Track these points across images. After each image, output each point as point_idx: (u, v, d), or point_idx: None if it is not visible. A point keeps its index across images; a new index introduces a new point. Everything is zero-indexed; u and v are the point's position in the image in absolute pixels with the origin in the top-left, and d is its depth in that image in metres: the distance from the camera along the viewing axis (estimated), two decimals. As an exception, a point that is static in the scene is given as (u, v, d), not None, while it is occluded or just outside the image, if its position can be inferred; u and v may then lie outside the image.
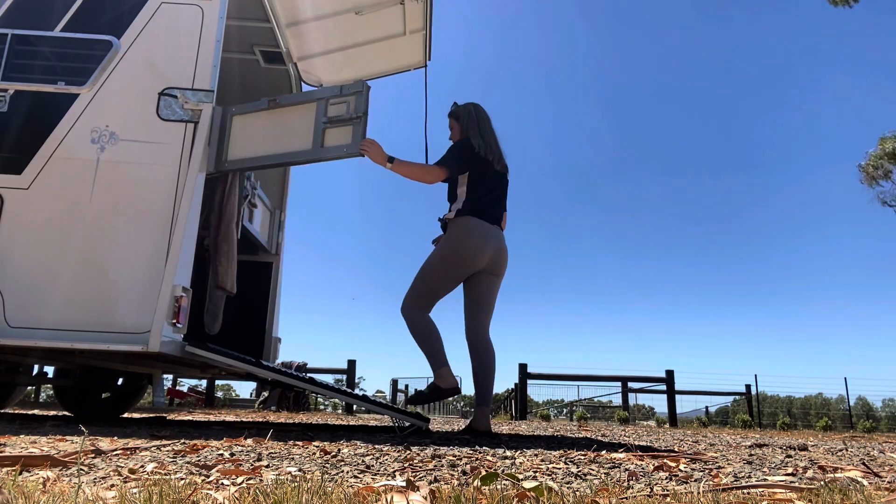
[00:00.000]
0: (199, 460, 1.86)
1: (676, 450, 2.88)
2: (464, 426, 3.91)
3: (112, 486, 1.41)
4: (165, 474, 1.57)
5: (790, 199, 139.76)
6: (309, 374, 11.64)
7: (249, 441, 2.46)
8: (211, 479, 1.52)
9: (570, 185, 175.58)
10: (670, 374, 12.42)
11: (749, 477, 1.78)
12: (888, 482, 1.69)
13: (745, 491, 1.47)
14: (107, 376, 5.12)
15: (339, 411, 14.40)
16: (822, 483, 1.59)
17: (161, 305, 3.25)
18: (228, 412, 8.86)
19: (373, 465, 1.85)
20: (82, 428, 3.00)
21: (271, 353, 5.53)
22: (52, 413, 5.88)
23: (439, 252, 3.52)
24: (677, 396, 12.45)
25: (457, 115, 3.77)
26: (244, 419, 5.74)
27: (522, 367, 12.11)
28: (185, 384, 15.60)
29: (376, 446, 2.39)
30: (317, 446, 2.32)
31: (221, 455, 2.00)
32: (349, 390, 3.79)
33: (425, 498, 1.25)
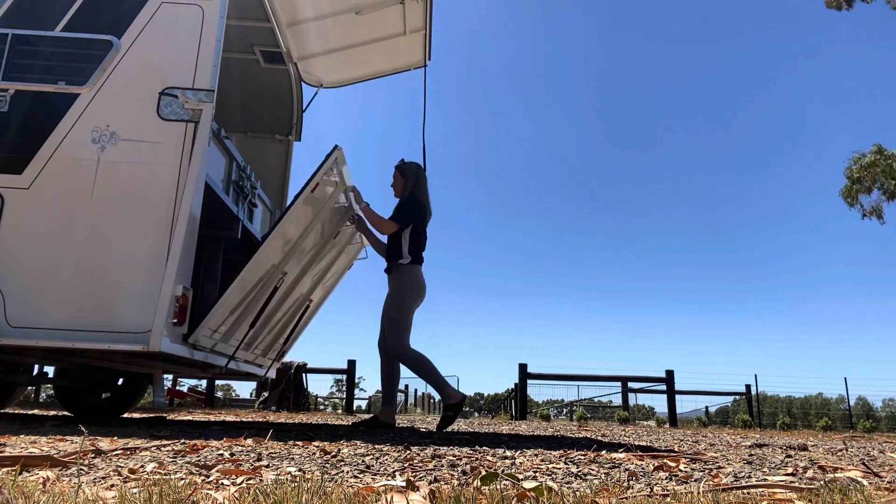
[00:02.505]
0: (199, 460, 1.86)
1: (676, 450, 2.88)
2: (463, 425, 3.96)
3: (112, 486, 1.41)
4: (165, 474, 1.57)
5: (791, 199, 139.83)
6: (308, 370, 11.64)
7: (249, 441, 2.46)
8: (211, 479, 1.52)
9: (571, 183, 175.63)
10: (670, 374, 12.41)
11: (749, 477, 1.78)
12: (888, 482, 1.69)
13: (745, 491, 1.47)
14: (107, 376, 5.12)
15: (339, 411, 14.40)
16: (822, 483, 1.59)
17: (162, 305, 3.25)
18: (228, 412, 8.85)
19: (373, 465, 1.85)
20: (82, 428, 3.01)
21: (271, 353, 5.52)
22: (52, 413, 5.88)
23: (398, 298, 4.21)
24: (677, 396, 12.42)
25: (403, 170, 4.38)
26: (244, 419, 5.74)
27: (522, 367, 12.09)
28: (185, 384, 15.56)
29: (376, 446, 2.39)
30: (317, 446, 2.32)
31: (221, 455, 2.00)
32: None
33: (425, 498, 1.25)
